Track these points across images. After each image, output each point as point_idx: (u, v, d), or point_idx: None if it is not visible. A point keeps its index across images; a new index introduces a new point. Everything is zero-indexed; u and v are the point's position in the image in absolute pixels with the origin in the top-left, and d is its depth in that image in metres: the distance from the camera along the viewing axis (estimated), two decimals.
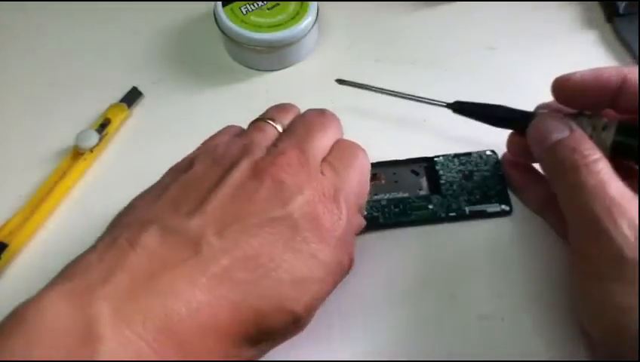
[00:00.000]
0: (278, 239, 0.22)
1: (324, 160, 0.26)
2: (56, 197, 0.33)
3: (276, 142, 0.26)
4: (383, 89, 0.31)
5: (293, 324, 0.23)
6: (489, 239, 0.31)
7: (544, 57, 0.39)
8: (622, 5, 0.39)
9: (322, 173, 0.25)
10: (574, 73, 0.27)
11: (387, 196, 0.32)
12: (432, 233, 0.31)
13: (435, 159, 0.33)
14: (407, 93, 0.31)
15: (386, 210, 0.32)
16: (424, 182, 0.33)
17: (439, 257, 0.31)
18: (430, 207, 0.32)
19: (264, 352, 0.23)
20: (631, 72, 0.26)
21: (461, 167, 0.33)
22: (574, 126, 0.26)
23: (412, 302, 0.29)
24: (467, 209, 0.32)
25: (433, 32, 0.41)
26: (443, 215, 0.31)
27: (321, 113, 0.28)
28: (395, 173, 0.33)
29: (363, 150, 0.28)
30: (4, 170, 0.34)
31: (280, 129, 0.28)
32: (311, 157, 0.25)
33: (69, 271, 0.21)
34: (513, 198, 0.32)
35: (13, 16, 0.42)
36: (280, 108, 0.29)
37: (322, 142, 0.27)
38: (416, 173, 0.33)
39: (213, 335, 0.21)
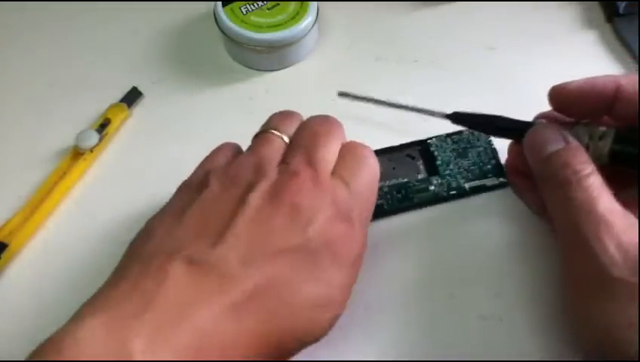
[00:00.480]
0: (296, 267, 0.23)
1: (333, 172, 0.26)
2: (56, 197, 0.33)
3: (286, 158, 0.26)
4: (383, 101, 0.32)
5: (311, 343, 0.24)
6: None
7: (544, 57, 0.39)
8: (622, 5, 0.39)
9: (334, 190, 0.25)
10: (570, 82, 0.28)
11: (388, 183, 0.33)
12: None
13: (429, 141, 0.34)
14: (407, 105, 0.31)
15: (389, 196, 0.32)
16: (421, 165, 0.33)
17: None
18: (431, 188, 0.32)
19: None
20: (626, 79, 0.26)
21: (454, 146, 0.34)
22: (570, 138, 0.26)
23: (414, 300, 0.29)
24: (467, 186, 0.32)
25: (433, 32, 0.41)
26: (445, 194, 0.32)
27: (325, 120, 0.28)
28: (391, 160, 0.34)
29: (370, 151, 0.28)
30: (4, 170, 0.34)
31: (286, 139, 0.28)
32: (322, 173, 0.25)
33: (101, 302, 0.21)
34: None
35: (13, 16, 0.42)
36: (283, 117, 0.29)
37: (330, 151, 0.27)
38: (412, 157, 0.34)
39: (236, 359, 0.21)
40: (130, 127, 0.37)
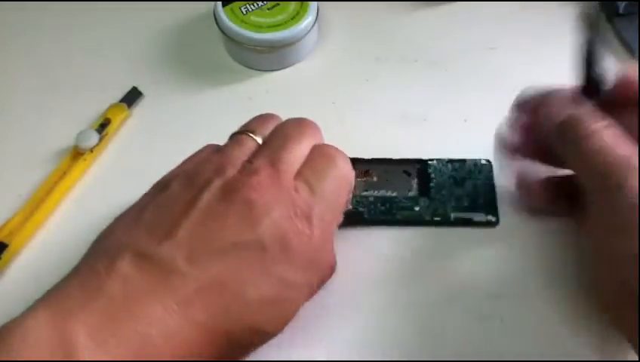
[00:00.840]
0: (246, 262, 0.23)
1: (299, 173, 0.26)
2: (56, 197, 0.33)
3: (251, 158, 0.26)
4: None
5: (264, 340, 0.24)
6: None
7: (544, 57, 0.39)
8: (622, 5, 0.39)
9: (296, 190, 0.25)
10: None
11: (376, 193, 0.32)
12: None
13: (429, 162, 0.33)
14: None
15: (372, 206, 0.32)
16: (415, 183, 0.33)
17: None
18: (416, 208, 0.32)
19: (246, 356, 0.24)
20: None
21: (453, 173, 0.33)
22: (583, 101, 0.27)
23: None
24: (452, 215, 0.31)
25: (433, 32, 0.41)
26: (428, 218, 0.31)
27: (299, 122, 0.28)
28: (387, 172, 0.33)
29: (342, 156, 0.28)
30: (4, 170, 0.34)
31: (260, 141, 0.28)
32: (283, 173, 0.25)
33: (52, 295, 0.22)
34: (501, 211, 0.32)
35: (13, 16, 0.42)
36: (261, 119, 0.29)
37: (297, 153, 0.27)
38: (408, 174, 0.33)
39: (187, 358, 0.21)
40: (130, 127, 0.37)
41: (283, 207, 0.24)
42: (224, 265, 0.23)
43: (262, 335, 0.24)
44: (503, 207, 0.32)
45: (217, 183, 0.24)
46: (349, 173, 0.28)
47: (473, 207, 0.32)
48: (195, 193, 0.24)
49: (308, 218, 0.25)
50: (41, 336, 0.20)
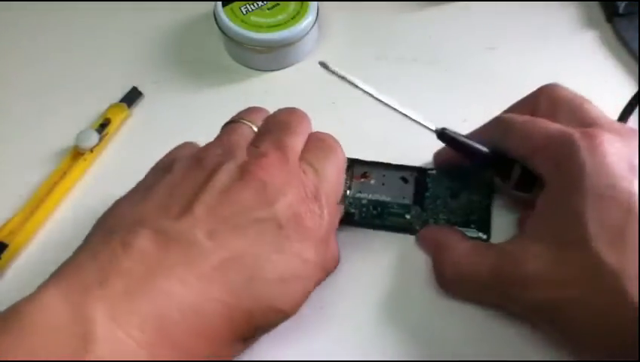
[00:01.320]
0: (263, 239, 0.23)
1: (301, 158, 0.27)
2: (56, 197, 0.33)
3: (255, 142, 0.27)
4: (367, 91, 0.30)
5: (281, 320, 0.24)
6: None
7: (544, 57, 0.39)
8: (622, 5, 0.39)
9: (304, 172, 0.26)
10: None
11: (370, 196, 0.32)
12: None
13: (428, 171, 0.33)
14: (394, 106, 0.30)
15: (364, 209, 0.32)
16: (411, 191, 0.32)
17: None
18: (407, 216, 0.32)
19: (251, 344, 0.24)
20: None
21: (451, 184, 0.33)
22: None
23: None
24: None
25: (433, 32, 0.41)
26: (417, 227, 0.31)
27: (293, 110, 0.29)
28: (384, 176, 0.33)
29: (337, 142, 0.28)
30: (4, 170, 0.34)
31: (254, 128, 0.28)
32: (290, 156, 0.26)
33: (65, 271, 0.21)
34: (493, 229, 0.31)
35: (13, 16, 0.42)
36: (250, 110, 0.30)
37: (298, 138, 0.27)
38: (406, 181, 0.33)
39: (206, 336, 0.21)
40: (130, 127, 0.37)
41: (294, 189, 0.24)
42: (243, 241, 0.23)
43: (279, 314, 0.23)
44: (496, 224, 0.31)
45: (231, 165, 0.25)
46: (344, 158, 0.28)
47: (466, 222, 0.31)
48: (207, 173, 0.24)
49: (317, 198, 0.25)
50: (56, 313, 0.19)
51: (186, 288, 0.21)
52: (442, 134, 0.29)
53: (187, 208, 0.23)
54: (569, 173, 0.25)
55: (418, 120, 0.29)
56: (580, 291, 0.23)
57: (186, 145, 0.29)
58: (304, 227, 0.24)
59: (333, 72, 0.29)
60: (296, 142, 0.27)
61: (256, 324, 0.23)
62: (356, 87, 0.28)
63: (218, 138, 0.28)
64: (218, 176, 0.24)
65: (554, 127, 0.26)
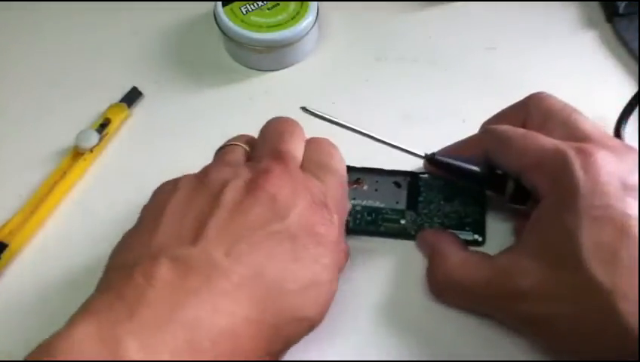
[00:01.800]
0: (280, 252, 0.23)
1: (303, 166, 0.27)
2: (56, 197, 0.33)
3: (254, 157, 0.27)
4: (350, 127, 0.29)
5: (309, 329, 0.24)
6: None
7: (544, 57, 0.39)
8: (622, 5, 0.39)
9: (308, 180, 0.26)
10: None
11: (364, 203, 0.32)
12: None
13: (421, 175, 0.33)
14: (379, 137, 0.29)
15: (359, 216, 0.32)
16: (404, 196, 0.32)
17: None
18: (402, 221, 0.31)
19: (282, 356, 0.24)
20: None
21: (445, 188, 0.32)
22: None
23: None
24: None
25: (433, 32, 0.41)
26: (413, 232, 0.31)
27: (283, 119, 0.29)
28: (377, 181, 0.33)
29: (335, 147, 0.29)
30: (4, 170, 0.34)
31: (246, 147, 0.28)
32: (292, 166, 0.26)
33: (93, 308, 0.21)
34: (488, 231, 0.31)
35: (13, 16, 0.42)
36: (237, 136, 0.30)
37: (296, 146, 0.27)
38: (399, 186, 0.33)
39: (237, 355, 0.21)
40: (130, 127, 0.37)
41: (303, 199, 0.25)
42: (261, 256, 0.23)
43: (306, 322, 0.24)
44: (491, 226, 0.31)
45: (237, 182, 0.24)
46: (344, 163, 0.29)
47: (460, 225, 0.31)
48: (214, 193, 0.24)
49: (325, 204, 0.25)
50: (90, 349, 0.19)
51: (212, 311, 0.21)
52: (432, 160, 0.29)
53: (200, 231, 0.23)
54: (563, 191, 0.25)
55: (407, 148, 0.29)
56: (571, 308, 0.23)
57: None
58: (317, 234, 0.24)
59: (317, 115, 0.28)
60: (295, 151, 0.27)
61: (285, 336, 0.23)
62: (343, 126, 0.28)
63: (215, 161, 0.28)
64: (226, 195, 0.24)
65: (549, 143, 0.26)
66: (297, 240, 0.24)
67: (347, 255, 0.27)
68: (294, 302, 0.23)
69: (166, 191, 0.26)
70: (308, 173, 0.26)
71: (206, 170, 0.26)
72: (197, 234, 0.23)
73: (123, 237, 0.25)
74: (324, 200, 0.25)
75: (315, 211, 0.25)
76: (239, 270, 0.22)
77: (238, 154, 0.28)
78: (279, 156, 0.26)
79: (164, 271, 0.21)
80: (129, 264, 0.22)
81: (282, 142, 0.27)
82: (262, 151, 0.27)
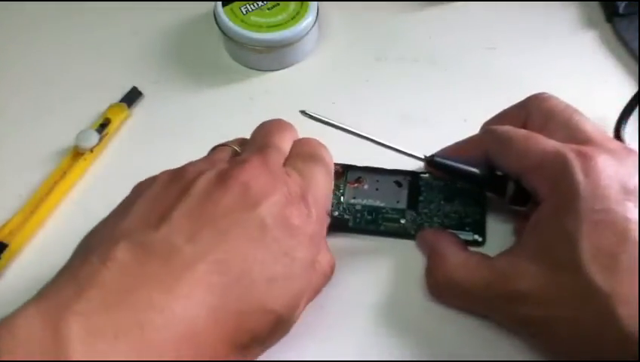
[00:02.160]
0: (248, 240, 0.23)
1: (286, 162, 0.27)
2: (56, 197, 0.33)
3: (239, 153, 0.27)
4: (349, 130, 0.28)
5: (276, 324, 0.23)
6: None
7: (544, 57, 0.39)
8: (622, 5, 0.39)
9: (287, 174, 0.26)
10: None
11: (364, 202, 0.32)
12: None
13: (421, 175, 0.33)
14: (379, 140, 0.29)
15: (359, 215, 0.32)
16: (405, 195, 0.32)
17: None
18: (402, 221, 0.31)
19: (255, 357, 0.24)
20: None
21: (445, 188, 0.32)
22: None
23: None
24: None
25: (433, 32, 0.41)
26: (412, 232, 0.31)
27: (277, 120, 0.29)
28: (378, 181, 0.33)
29: (323, 146, 0.28)
30: (4, 170, 0.34)
31: (238, 149, 0.28)
32: (272, 159, 0.26)
33: (44, 291, 0.21)
34: (488, 231, 0.31)
35: (13, 16, 0.42)
36: (234, 139, 0.30)
37: (282, 143, 0.27)
38: (399, 185, 0.33)
39: (195, 344, 0.21)
40: (130, 127, 0.37)
41: (279, 190, 0.24)
42: (227, 244, 0.22)
43: (272, 315, 0.23)
44: (491, 226, 0.31)
45: (210, 173, 0.24)
46: (331, 161, 0.28)
47: (460, 225, 0.31)
48: (185, 184, 0.24)
49: (304, 198, 0.25)
50: (31, 333, 0.19)
51: (170, 297, 0.20)
52: (431, 162, 0.29)
53: (165, 216, 0.22)
54: (563, 195, 0.25)
55: (406, 151, 0.29)
56: (570, 311, 0.23)
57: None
58: (291, 226, 0.24)
59: (316, 118, 0.28)
60: (279, 146, 0.27)
61: (250, 329, 0.22)
62: (342, 130, 0.28)
63: (202, 157, 0.28)
64: (197, 183, 0.24)
65: (549, 145, 0.26)
66: (268, 230, 0.23)
67: (333, 265, 0.27)
68: (259, 291, 0.22)
69: (143, 185, 0.26)
70: (290, 167, 0.26)
71: (185, 165, 0.26)
72: (162, 219, 0.22)
73: (95, 225, 0.25)
74: (303, 194, 0.25)
75: (291, 203, 0.24)
76: (200, 256, 0.22)
77: (226, 153, 0.28)
78: (261, 150, 0.26)
79: (121, 253, 0.21)
80: (90, 249, 0.22)
81: (267, 140, 0.27)
82: (246, 148, 0.27)
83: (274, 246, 0.23)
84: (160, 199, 0.24)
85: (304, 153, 0.28)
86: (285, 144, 0.28)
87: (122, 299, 0.20)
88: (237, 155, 0.28)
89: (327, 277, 0.27)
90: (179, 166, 0.26)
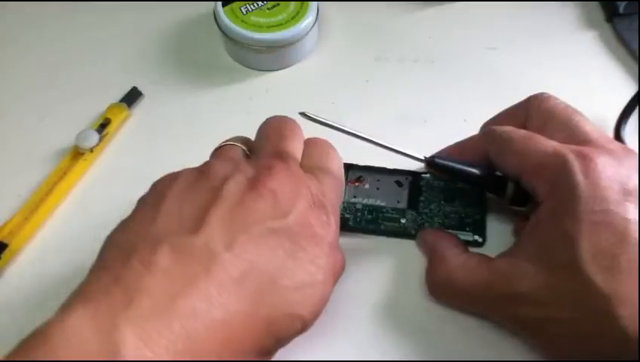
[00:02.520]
0: (279, 248, 0.23)
1: (302, 165, 0.27)
2: (56, 197, 0.33)
3: (254, 154, 0.27)
4: (349, 131, 0.28)
5: (301, 330, 0.24)
6: None
7: (544, 57, 0.39)
8: (622, 5, 0.39)
9: (308, 180, 0.26)
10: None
11: (365, 201, 0.32)
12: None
13: (422, 175, 0.33)
14: (378, 141, 0.28)
15: (359, 214, 0.32)
16: (405, 195, 0.32)
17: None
18: (402, 221, 0.32)
19: (271, 358, 0.24)
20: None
21: (445, 188, 0.33)
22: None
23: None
24: None
25: (433, 32, 0.41)
26: (413, 232, 0.31)
27: (282, 118, 0.29)
28: (379, 180, 0.33)
29: (333, 148, 0.29)
30: (4, 170, 0.34)
31: (243, 147, 0.28)
32: (293, 164, 0.26)
33: (87, 292, 0.21)
34: (488, 231, 0.31)
35: (13, 16, 0.42)
36: (233, 137, 0.30)
37: (296, 146, 0.28)
38: (400, 185, 0.33)
39: (230, 348, 0.21)
40: (130, 127, 0.37)
41: (304, 198, 0.25)
42: (261, 251, 0.23)
43: (298, 321, 0.23)
44: (492, 227, 0.31)
45: (240, 177, 0.25)
46: (342, 162, 0.29)
47: (461, 225, 0.31)
48: (215, 186, 0.24)
49: (323, 206, 0.25)
50: (85, 336, 0.19)
51: (209, 302, 0.21)
52: (432, 163, 0.29)
53: (202, 221, 0.23)
54: (563, 196, 0.25)
55: (406, 152, 0.29)
56: (570, 312, 0.24)
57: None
58: (315, 235, 0.24)
59: (316, 120, 0.28)
60: (295, 150, 0.27)
61: (276, 333, 0.23)
62: (342, 131, 0.28)
63: (214, 157, 0.28)
64: (228, 187, 0.24)
65: (549, 146, 0.26)
66: (296, 239, 0.24)
67: (344, 265, 0.27)
68: (288, 298, 0.23)
69: (166, 181, 0.26)
70: (308, 173, 0.27)
71: (208, 164, 0.26)
72: (198, 224, 0.23)
73: (121, 222, 0.25)
74: (323, 201, 0.26)
75: (314, 212, 0.25)
76: (237, 263, 0.22)
77: (238, 152, 0.28)
78: (280, 155, 0.26)
79: (163, 258, 0.21)
80: (126, 247, 0.22)
81: (282, 143, 0.27)
82: (262, 151, 0.27)
83: (301, 255, 0.24)
84: (190, 199, 0.24)
85: (317, 157, 0.28)
86: (298, 147, 0.28)
87: (168, 306, 0.20)
88: (247, 155, 0.28)
89: (340, 275, 0.27)
90: (178, 167, 0.26)
